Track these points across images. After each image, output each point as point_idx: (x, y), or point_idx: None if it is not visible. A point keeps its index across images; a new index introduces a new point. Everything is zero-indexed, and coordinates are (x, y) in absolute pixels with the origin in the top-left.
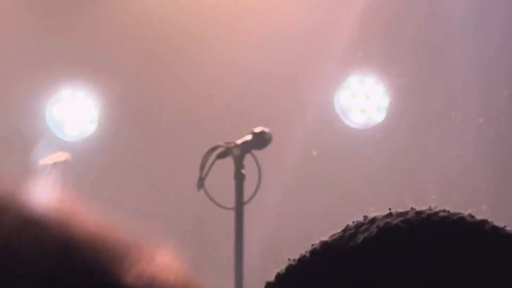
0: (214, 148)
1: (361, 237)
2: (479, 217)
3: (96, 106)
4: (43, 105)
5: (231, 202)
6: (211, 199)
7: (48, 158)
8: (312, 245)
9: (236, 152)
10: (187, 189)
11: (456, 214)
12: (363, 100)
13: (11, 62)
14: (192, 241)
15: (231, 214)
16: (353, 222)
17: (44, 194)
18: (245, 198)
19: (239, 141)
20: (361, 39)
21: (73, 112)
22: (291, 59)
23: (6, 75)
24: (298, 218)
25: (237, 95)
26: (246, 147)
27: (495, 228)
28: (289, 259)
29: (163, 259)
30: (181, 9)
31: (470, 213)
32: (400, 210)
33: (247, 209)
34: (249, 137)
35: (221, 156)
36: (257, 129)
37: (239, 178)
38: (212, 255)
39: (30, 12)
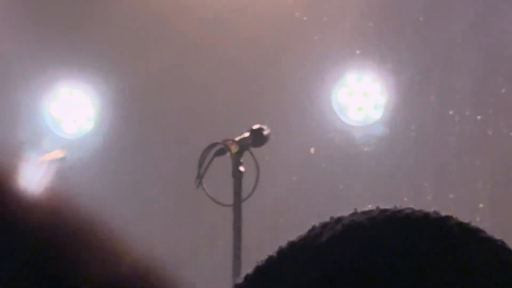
0: (212, 146)
1: (326, 235)
2: (443, 213)
3: (94, 104)
4: (41, 103)
5: (229, 199)
6: (209, 196)
7: (45, 156)
8: (280, 245)
9: (234, 149)
10: (185, 186)
11: (420, 211)
12: (361, 98)
13: (8, 60)
14: (190, 238)
15: (229, 212)
16: (320, 222)
17: (35, 189)
18: (243, 196)
19: (237, 139)
20: (358, 37)
21: (71, 110)
22: (288, 57)
23: (3, 73)
24: (296, 216)
25: (235, 93)
26: (244, 144)
27: (460, 224)
28: (257, 261)
29: (151, 253)
30: (179, 7)
31: (434, 210)
32: (365, 209)
33: (245, 207)
34: (247, 134)
35: (219, 153)
36: (255, 127)
37: (237, 176)
38: (210, 252)
39: (27, 10)
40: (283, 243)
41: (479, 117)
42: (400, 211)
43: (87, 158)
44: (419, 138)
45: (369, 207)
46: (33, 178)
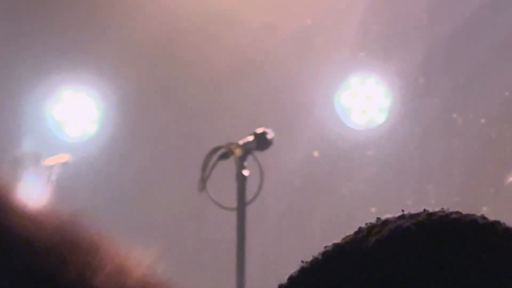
0: (216, 149)
1: (372, 239)
2: (491, 218)
3: (97, 107)
4: (44, 106)
5: (233, 203)
6: (213, 200)
7: (49, 159)
8: (325, 247)
9: (238, 153)
10: (188, 190)
11: (468, 215)
12: (364, 101)
13: (12, 63)
14: (194, 242)
15: (233, 215)
16: (366, 224)
17: (38, 200)
18: (247, 199)
19: (241, 142)
20: (362, 39)
21: (74, 113)
22: (292, 60)
23: (7, 76)
24: (300, 219)
25: (239, 96)
26: (248, 148)
27: (508, 230)
28: (302, 261)
29: (135, 259)
30: (184, 10)
31: (482, 215)
32: (412, 213)
33: (249, 210)
34: (251, 138)
35: (223, 157)
36: (259, 130)
37: (241, 179)
38: (214, 256)
39: (31, 13)
40: (287, 246)
41: (482, 120)
42: (447, 215)
43: (90, 162)
44: (423, 141)
45: (373, 210)
46: (36, 187)
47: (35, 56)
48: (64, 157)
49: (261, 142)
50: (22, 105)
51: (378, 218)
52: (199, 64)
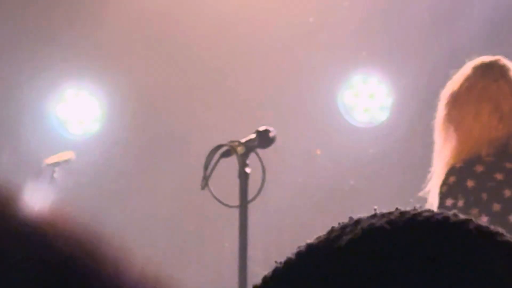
0: (218, 147)
1: (346, 238)
2: (462, 216)
3: (100, 105)
4: (47, 104)
5: (235, 201)
6: (215, 197)
7: (52, 157)
8: (298, 247)
9: (240, 151)
10: (191, 188)
11: (440, 213)
12: (367, 99)
13: (14, 61)
14: (197, 240)
15: (235, 213)
16: (339, 223)
17: (38, 197)
18: (249, 197)
19: (243, 140)
20: (364, 38)
21: (77, 111)
22: (294, 58)
23: (10, 74)
24: (302, 217)
25: (241, 94)
26: (251, 146)
27: (479, 227)
28: (276, 261)
29: (138, 262)
30: (186, 8)
31: (454, 212)
32: (384, 212)
33: (251, 208)
34: (253, 136)
35: (225, 155)
36: (261, 128)
37: (243, 177)
38: (216, 253)
39: (33, 10)
40: (289, 244)
41: None
42: (419, 213)
43: (93, 160)
44: (425, 139)
45: (375, 208)
46: (40, 186)
47: (38, 54)
48: (67, 155)
49: (264, 139)
50: (25, 103)
51: (350, 218)
52: (200, 62)
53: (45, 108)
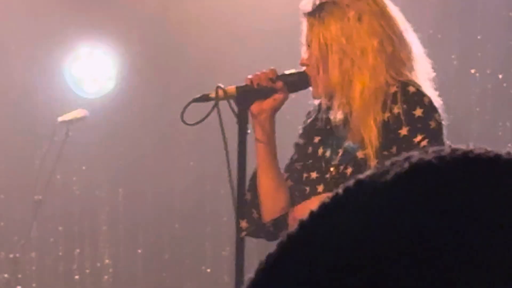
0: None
1: (392, 172)
2: None
3: (114, 64)
4: (62, 63)
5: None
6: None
7: (66, 115)
8: (347, 182)
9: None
10: (205, 149)
11: (492, 151)
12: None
13: (30, 22)
14: (213, 201)
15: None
16: (391, 160)
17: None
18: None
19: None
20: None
21: (92, 70)
22: None
23: (26, 34)
24: None
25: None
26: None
27: None
28: (324, 196)
29: None
30: None
31: (508, 151)
32: (436, 148)
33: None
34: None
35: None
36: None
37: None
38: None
39: None
40: None
41: (500, 76)
42: (471, 150)
43: (107, 118)
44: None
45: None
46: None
47: (53, 14)
48: (81, 113)
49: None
50: (40, 61)
51: (402, 155)
52: (215, 19)
53: (60, 66)
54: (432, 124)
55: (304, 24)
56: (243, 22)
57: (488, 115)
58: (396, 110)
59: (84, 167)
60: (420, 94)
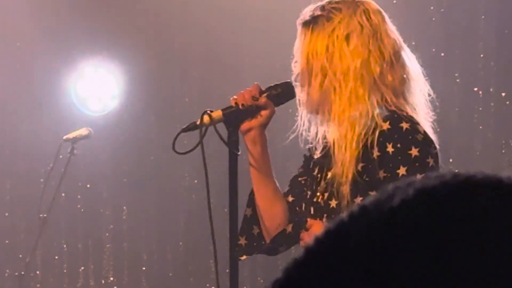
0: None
1: (397, 199)
2: None
3: (118, 82)
4: (67, 82)
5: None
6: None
7: (70, 134)
8: (351, 210)
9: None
10: (209, 162)
11: (494, 176)
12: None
13: (35, 39)
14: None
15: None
16: (392, 185)
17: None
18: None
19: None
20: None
21: (96, 88)
22: None
23: (31, 52)
24: None
25: (257, 65)
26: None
27: None
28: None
29: None
30: None
31: (509, 176)
32: (438, 173)
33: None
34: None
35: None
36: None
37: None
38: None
39: None
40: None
41: (503, 94)
42: (473, 176)
43: (111, 135)
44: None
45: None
46: None
47: (58, 32)
48: (85, 131)
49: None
50: (45, 80)
51: (404, 181)
52: (218, 38)
53: (65, 85)
54: (431, 162)
55: (299, 31)
56: (248, 42)
57: (491, 133)
58: (390, 149)
59: (88, 185)
60: (413, 131)
